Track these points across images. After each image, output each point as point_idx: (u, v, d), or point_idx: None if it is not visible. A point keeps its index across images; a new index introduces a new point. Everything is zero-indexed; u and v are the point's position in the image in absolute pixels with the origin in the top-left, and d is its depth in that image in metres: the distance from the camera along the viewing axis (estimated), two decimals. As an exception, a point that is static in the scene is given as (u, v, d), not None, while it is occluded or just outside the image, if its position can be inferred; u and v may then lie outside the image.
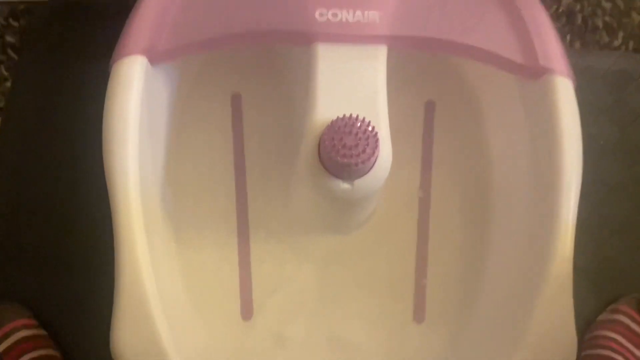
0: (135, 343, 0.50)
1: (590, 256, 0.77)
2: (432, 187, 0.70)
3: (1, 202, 0.76)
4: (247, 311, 0.66)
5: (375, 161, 0.55)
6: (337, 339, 0.66)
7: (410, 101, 0.72)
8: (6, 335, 0.68)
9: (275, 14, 0.58)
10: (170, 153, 0.66)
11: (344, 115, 0.54)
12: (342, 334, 0.66)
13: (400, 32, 0.58)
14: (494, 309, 0.62)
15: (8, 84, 0.82)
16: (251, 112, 0.71)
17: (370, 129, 0.53)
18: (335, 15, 0.57)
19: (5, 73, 0.82)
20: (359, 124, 0.53)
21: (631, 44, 0.87)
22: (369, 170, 0.56)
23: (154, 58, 0.58)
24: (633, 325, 0.72)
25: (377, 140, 0.53)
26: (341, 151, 0.53)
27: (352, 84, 0.57)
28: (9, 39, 0.83)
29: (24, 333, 0.68)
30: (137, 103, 0.55)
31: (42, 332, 0.70)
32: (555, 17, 0.87)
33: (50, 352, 0.68)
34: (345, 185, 0.56)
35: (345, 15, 0.57)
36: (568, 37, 0.86)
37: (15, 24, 0.84)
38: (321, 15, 0.57)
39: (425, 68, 0.70)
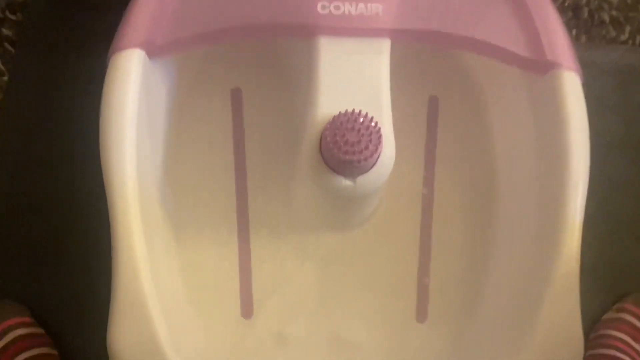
0: (133, 343, 0.49)
1: (596, 254, 0.76)
2: (435, 184, 0.70)
3: (-2, 199, 0.76)
4: (247, 310, 0.65)
5: (378, 158, 0.54)
6: (338, 338, 0.65)
7: (413, 96, 0.71)
8: (3, 333, 0.67)
9: (276, 7, 0.57)
10: (168, 149, 0.65)
11: (346, 111, 0.53)
12: (343, 333, 0.65)
13: (403, 26, 0.57)
14: (498, 309, 0.61)
15: (5, 77, 0.81)
16: (251, 107, 0.70)
17: (373, 124, 0.52)
18: (337, 7, 0.56)
19: (2, 67, 0.81)
20: (361, 120, 0.52)
21: (638, 39, 0.86)
22: (371, 167, 0.55)
23: (152, 52, 0.57)
24: (639, 324, 0.71)
25: (380, 137, 0.52)
26: (343, 148, 0.52)
27: (354, 79, 0.56)
28: (6, 32, 0.83)
29: (20, 331, 0.67)
30: (135, 98, 0.54)
31: (39, 330, 0.69)
32: (561, 10, 0.85)
33: (47, 350, 0.67)
34: (347, 183, 0.55)
35: (347, 7, 0.56)
36: (574, 31, 0.86)
37: (13, 17, 0.83)
38: (323, 7, 0.56)
39: (429, 62, 0.69)
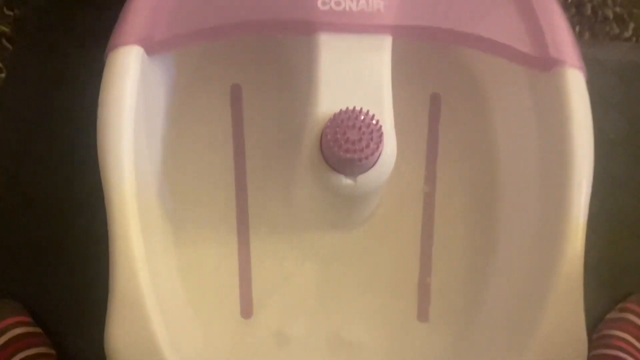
0: (130, 343, 0.49)
1: (598, 253, 0.76)
2: (437, 182, 0.69)
3: (-5, 197, 0.75)
4: (247, 309, 0.65)
5: (379, 156, 0.54)
6: (338, 338, 0.64)
7: (415, 94, 0.70)
8: (1, 333, 0.67)
9: (276, 3, 0.56)
10: (167, 146, 0.65)
11: (347, 108, 0.52)
12: (343, 333, 0.65)
13: (405, 22, 0.57)
14: (500, 309, 0.61)
15: (2, 75, 0.80)
16: (251, 105, 0.70)
17: (374, 122, 0.52)
18: (338, 3, 0.56)
19: (0, 64, 0.81)
20: (362, 118, 0.52)
21: (642, 36, 0.85)
22: (372, 166, 0.54)
23: (151, 48, 0.56)
24: (642, 324, 0.70)
25: (381, 135, 0.52)
26: (344, 146, 0.51)
27: (355, 76, 0.56)
28: (3, 28, 0.82)
29: (18, 330, 0.67)
30: (133, 94, 0.53)
31: (37, 329, 0.69)
32: (564, 7, 0.85)
33: (45, 350, 0.67)
34: (347, 181, 0.54)
35: (348, 3, 0.56)
36: (577, 27, 0.85)
37: (10, 13, 0.83)
38: (324, 3, 0.56)
39: (431, 59, 0.68)
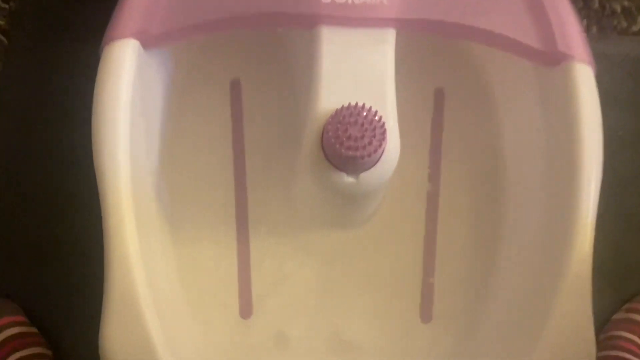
0: (125, 344, 0.48)
1: (605, 252, 0.74)
2: (441, 180, 0.68)
3: (-11, 193, 0.74)
4: (246, 310, 0.64)
5: (382, 154, 0.52)
6: (339, 339, 0.64)
7: (418, 89, 0.69)
8: (-4, 332, 0.66)
9: (276, -5, 0.55)
10: (165, 143, 0.64)
11: (349, 104, 0.51)
12: (344, 334, 0.64)
13: (409, 15, 0.56)
14: (505, 310, 0.60)
15: (-2, 69, 0.79)
16: (251, 100, 0.69)
17: (377, 119, 0.51)
18: (340, -5, 0.54)
19: (-5, 57, 0.80)
20: (365, 114, 0.51)
21: (650, 30, 0.84)
22: (375, 164, 0.53)
23: (147, 42, 0.55)
24: (650, 325, 0.69)
25: (384, 132, 0.51)
26: (346, 143, 0.50)
27: (358, 71, 0.54)
28: (-1, 22, 0.81)
29: (14, 330, 0.66)
30: (129, 90, 0.52)
31: (32, 329, 0.68)
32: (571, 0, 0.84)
33: (40, 350, 0.66)
34: (349, 179, 0.53)
35: (350, -5, 0.54)
36: (584, 21, 0.84)
37: (6, 6, 0.82)
38: (325, -5, 0.54)
39: (435, 53, 0.67)
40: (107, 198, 0.50)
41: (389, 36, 0.55)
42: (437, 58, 0.68)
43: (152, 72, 0.60)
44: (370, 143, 0.50)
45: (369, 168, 0.53)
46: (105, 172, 0.50)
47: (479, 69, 0.68)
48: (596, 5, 0.84)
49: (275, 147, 0.67)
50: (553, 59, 0.56)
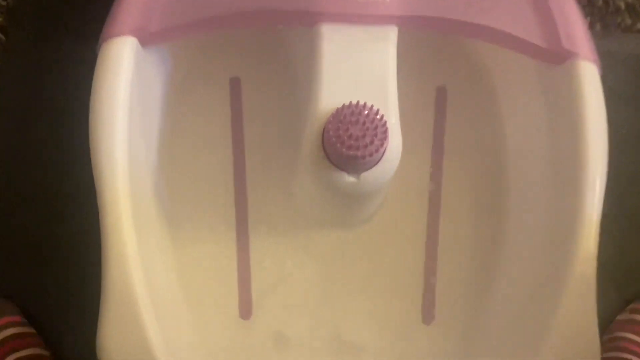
0: (123, 346, 0.47)
1: (608, 252, 0.73)
2: (443, 179, 0.67)
3: (-14, 192, 0.74)
4: (245, 310, 0.63)
5: (383, 153, 0.52)
6: (340, 340, 0.63)
7: (420, 87, 0.68)
8: (-6, 332, 0.65)
9: (276, -8, 0.54)
10: (164, 142, 0.63)
11: (350, 103, 0.51)
12: (345, 335, 0.63)
13: (411, 12, 0.55)
14: (508, 311, 0.59)
15: (-5, 66, 0.79)
16: (251, 98, 0.68)
17: (378, 118, 0.50)
18: (341, -8, 0.54)
19: (-7, 55, 0.79)
20: (366, 112, 0.50)
21: (655, 27, 0.83)
22: (376, 163, 0.52)
23: (145, 39, 0.55)
24: (654, 326, 0.69)
25: (386, 131, 0.50)
26: (347, 142, 0.49)
27: (359, 69, 0.54)
28: (-4, 18, 0.80)
29: (12, 331, 0.66)
30: (126, 88, 0.52)
31: (30, 329, 0.68)
32: (575, -3, 0.84)
33: (39, 351, 0.66)
34: (350, 179, 0.53)
35: (352, -8, 0.54)
36: (588, 19, 0.83)
37: (4, 3, 0.81)
38: (326, -8, 0.54)
39: (437, 51, 0.67)
40: (105, 197, 0.49)
41: (391, 34, 0.55)
42: (440, 56, 0.67)
43: (151, 70, 0.59)
44: (371, 142, 0.49)
45: (370, 167, 0.52)
46: (102, 171, 0.49)
47: (481, 67, 0.67)
48: (600, 2, 0.84)
49: (275, 146, 0.67)
50: (558, 57, 0.55)
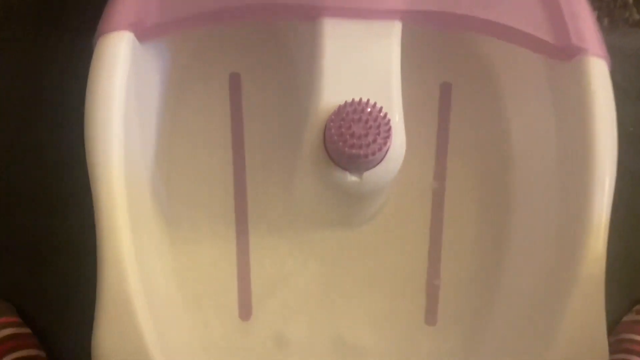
0: (118, 348, 0.47)
1: (615, 251, 0.72)
2: (447, 177, 0.66)
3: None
4: (245, 311, 0.62)
5: (386, 152, 0.51)
6: (341, 342, 0.62)
7: (424, 83, 0.67)
8: (-11, 333, 0.64)
9: (276, -15, 0.53)
10: (161, 139, 0.62)
11: (353, 100, 0.50)
12: (347, 336, 0.62)
13: (416, 7, 0.54)
14: (513, 313, 0.58)
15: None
16: (251, 94, 0.67)
17: (382, 115, 0.49)
18: (343, -14, 0.53)
19: (-13, 50, 0.78)
20: (369, 110, 0.49)
21: (664, 22, 0.82)
22: (379, 162, 0.51)
23: (142, 34, 0.54)
24: (661, 327, 0.68)
25: (389, 129, 0.49)
26: (349, 141, 0.48)
27: (362, 65, 0.53)
28: (-9, 12, 0.79)
29: (7, 331, 0.65)
30: (123, 84, 0.51)
31: (26, 330, 0.67)
32: (582, -9, 0.82)
33: (34, 352, 0.65)
34: (352, 178, 0.52)
35: (355, -14, 0.53)
36: (596, 13, 0.82)
37: (-1, -3, 0.80)
38: (328, -14, 0.53)
39: (441, 46, 0.66)
40: (100, 197, 0.48)
41: (395, 29, 0.54)
42: (444, 51, 0.66)
43: (148, 65, 0.58)
44: (374, 141, 0.48)
45: (373, 167, 0.51)
46: (97, 170, 0.49)
47: (487, 63, 0.66)
48: (608, -4, 0.83)
49: (275, 144, 0.66)
50: (566, 52, 0.54)
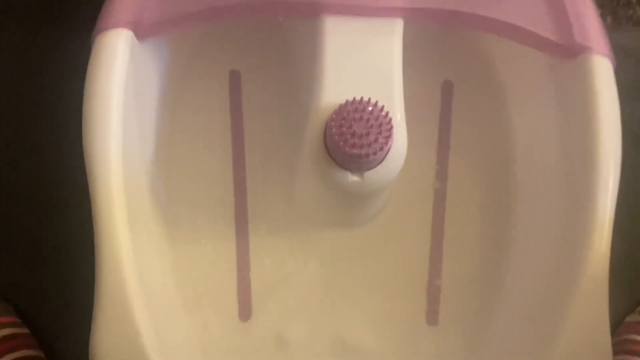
0: (116, 349, 0.47)
1: (618, 251, 0.72)
2: (449, 177, 0.66)
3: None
4: (245, 312, 0.62)
5: (388, 151, 0.50)
6: (342, 343, 0.62)
7: (426, 81, 0.67)
8: (-13, 333, 0.64)
9: (277, -18, 0.53)
10: (160, 138, 0.62)
11: (354, 99, 0.49)
12: (348, 337, 0.62)
13: (418, 4, 0.53)
14: (516, 314, 0.58)
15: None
16: (251, 92, 0.67)
17: (383, 114, 0.48)
18: (345, -17, 0.52)
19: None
20: (370, 109, 0.48)
21: (667, 20, 0.82)
22: (381, 162, 0.51)
23: (141, 31, 0.53)
24: (664, 328, 0.67)
25: (391, 128, 0.48)
26: (350, 140, 0.47)
27: (363, 63, 0.52)
28: (-13, 9, 0.78)
29: (6, 332, 0.64)
30: (121, 82, 0.51)
31: (24, 330, 0.66)
32: (586, -11, 0.82)
33: (32, 352, 0.64)
34: (353, 178, 0.51)
35: (356, -17, 0.52)
36: (599, 11, 0.81)
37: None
38: (329, -17, 0.52)
39: (443, 44, 0.65)
40: (98, 196, 0.48)
41: (397, 26, 0.53)
42: (446, 49, 0.65)
43: (147, 63, 0.58)
44: (376, 140, 0.48)
45: (375, 166, 0.51)
46: (95, 169, 0.48)
47: (489, 61, 0.66)
48: (611, -6, 0.82)
49: (275, 143, 0.65)
50: (570, 51, 0.54)
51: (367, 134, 0.48)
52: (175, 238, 0.61)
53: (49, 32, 0.76)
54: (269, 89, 0.66)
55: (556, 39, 0.53)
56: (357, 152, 0.48)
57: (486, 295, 0.61)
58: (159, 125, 0.62)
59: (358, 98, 0.49)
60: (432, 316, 0.63)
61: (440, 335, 0.62)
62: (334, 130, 0.48)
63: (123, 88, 0.51)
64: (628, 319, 0.70)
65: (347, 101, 0.49)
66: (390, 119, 0.48)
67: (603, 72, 0.53)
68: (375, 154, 0.48)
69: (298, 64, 0.64)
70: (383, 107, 0.48)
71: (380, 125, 0.48)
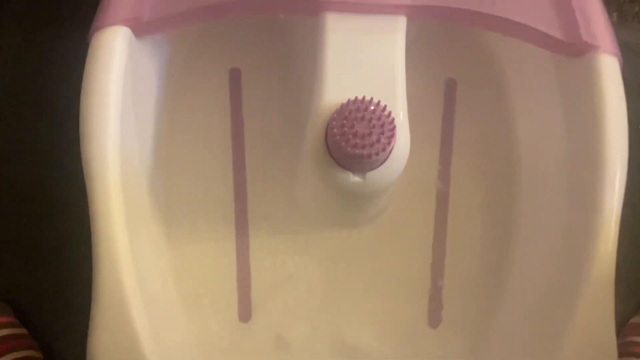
0: (114, 351, 0.46)
1: (622, 252, 0.71)
2: (451, 177, 0.65)
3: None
4: (245, 312, 0.61)
5: (390, 152, 0.49)
6: (343, 344, 0.61)
7: (429, 79, 0.66)
8: (-14, 333, 0.63)
9: (278, -21, 0.52)
10: (159, 136, 0.61)
11: (356, 98, 0.48)
12: (348, 339, 0.61)
13: (421, 1, 0.52)
14: (519, 315, 0.57)
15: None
16: (251, 90, 0.66)
17: (386, 114, 0.47)
18: (347, -20, 0.52)
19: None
20: (372, 108, 0.47)
21: (674, 17, 0.81)
22: (383, 162, 0.50)
23: (139, 29, 0.53)
24: (669, 330, 0.66)
25: (393, 128, 0.47)
26: (352, 140, 0.47)
27: (365, 61, 0.52)
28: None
29: (4, 332, 0.64)
30: (119, 80, 0.50)
31: (23, 331, 0.66)
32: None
33: (31, 353, 0.64)
34: (355, 179, 0.50)
35: (358, -20, 0.51)
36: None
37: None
38: (331, -20, 0.51)
39: (446, 41, 0.64)
40: (95, 196, 0.48)
41: (399, 24, 0.52)
42: (449, 47, 0.65)
43: (145, 61, 0.57)
44: (378, 141, 0.47)
45: (377, 167, 0.50)
46: (93, 169, 0.48)
47: (493, 59, 0.65)
48: (617, -9, 0.81)
49: (276, 142, 0.65)
50: (576, 49, 0.53)
51: (370, 134, 0.47)
52: (175, 238, 0.61)
53: (49, 32, 0.75)
54: (270, 88, 0.66)
55: (562, 37, 0.53)
56: (359, 152, 0.47)
57: (489, 296, 0.61)
58: (158, 124, 0.61)
59: (360, 97, 0.48)
60: (434, 317, 0.62)
61: (442, 337, 0.61)
62: (335, 130, 0.48)
63: (121, 86, 0.50)
64: (632, 320, 0.69)
65: (349, 100, 0.48)
66: (393, 119, 0.48)
67: (610, 71, 0.52)
68: (377, 154, 0.47)
69: (299, 62, 0.63)
70: (385, 106, 0.48)
71: (382, 125, 0.47)
